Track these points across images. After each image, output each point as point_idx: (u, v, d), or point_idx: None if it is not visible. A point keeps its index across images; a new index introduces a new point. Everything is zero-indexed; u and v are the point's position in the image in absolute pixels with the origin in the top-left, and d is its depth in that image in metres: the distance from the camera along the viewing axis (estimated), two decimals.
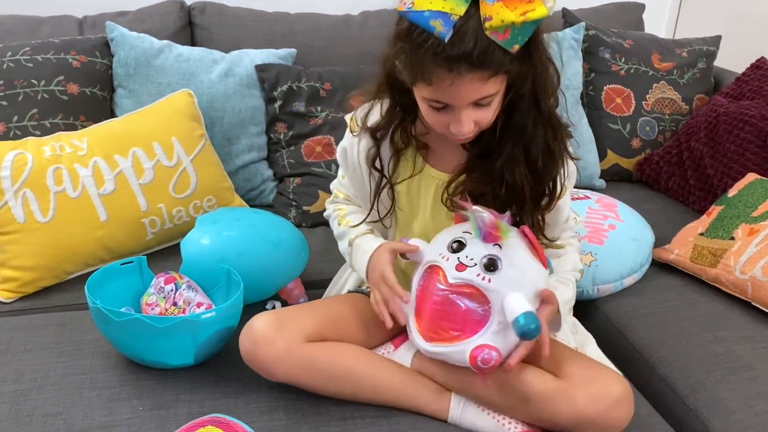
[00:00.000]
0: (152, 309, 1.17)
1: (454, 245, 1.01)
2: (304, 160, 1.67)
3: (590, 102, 1.92)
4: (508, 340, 0.97)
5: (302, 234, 1.37)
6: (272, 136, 1.70)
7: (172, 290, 1.18)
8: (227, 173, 1.58)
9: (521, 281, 0.98)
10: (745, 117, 1.67)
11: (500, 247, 0.99)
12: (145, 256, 1.25)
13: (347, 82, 1.69)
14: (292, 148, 1.69)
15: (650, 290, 1.42)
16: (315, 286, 1.38)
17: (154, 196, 1.41)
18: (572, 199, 1.53)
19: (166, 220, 1.44)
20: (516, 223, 1.04)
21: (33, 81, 1.53)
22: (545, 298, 1.00)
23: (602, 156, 1.89)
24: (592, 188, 1.79)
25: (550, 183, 1.03)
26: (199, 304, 1.17)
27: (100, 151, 1.39)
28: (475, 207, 0.97)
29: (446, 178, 1.08)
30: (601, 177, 1.88)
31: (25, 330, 1.21)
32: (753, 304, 1.33)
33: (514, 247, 1.00)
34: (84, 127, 1.52)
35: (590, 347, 1.16)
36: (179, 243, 1.26)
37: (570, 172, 1.06)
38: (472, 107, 0.92)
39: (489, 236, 0.98)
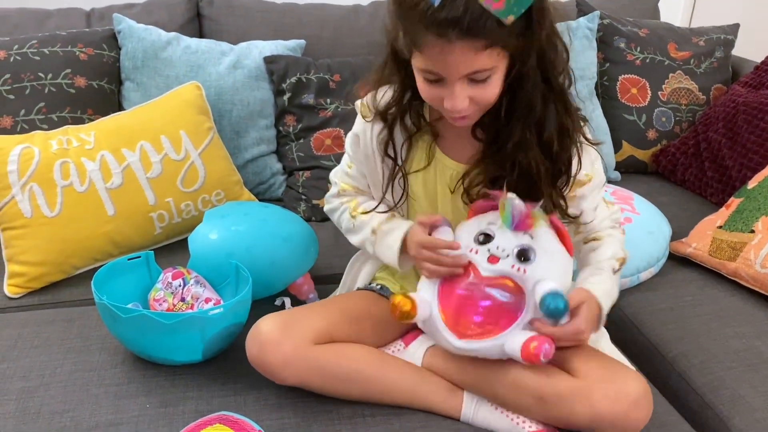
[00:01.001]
0: (160, 305, 1.15)
1: (481, 237, 0.99)
2: (313, 153, 1.65)
3: (605, 92, 1.88)
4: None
5: (312, 229, 1.35)
6: (281, 129, 1.67)
7: (179, 286, 1.16)
8: (236, 167, 1.56)
9: (555, 270, 0.96)
10: (764, 107, 1.63)
11: (531, 237, 0.96)
12: (152, 251, 1.24)
13: (357, 74, 1.66)
14: (302, 141, 1.66)
15: (667, 285, 1.39)
16: (325, 281, 1.36)
17: (162, 190, 1.40)
18: None
19: (174, 214, 1.42)
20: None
21: (40, 74, 1.52)
22: (574, 299, 0.96)
23: (617, 148, 1.85)
24: (607, 180, 1.75)
25: (566, 162, 0.99)
26: (207, 300, 1.15)
27: (108, 144, 1.38)
28: (509, 194, 0.95)
29: (460, 168, 1.05)
30: (616, 169, 1.85)
31: (33, 326, 1.20)
32: None
33: (545, 235, 0.97)
34: (91, 120, 1.51)
35: (604, 342, 1.13)
36: (187, 238, 1.25)
37: (592, 158, 1.03)
38: (467, 82, 0.89)
39: (521, 224, 0.95)
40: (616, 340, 1.19)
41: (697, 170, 1.77)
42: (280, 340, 1.00)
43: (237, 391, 1.07)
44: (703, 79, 1.90)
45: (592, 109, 1.80)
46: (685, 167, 1.80)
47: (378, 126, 1.07)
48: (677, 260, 1.46)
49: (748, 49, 2.02)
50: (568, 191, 1.03)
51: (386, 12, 0.93)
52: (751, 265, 1.32)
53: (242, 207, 1.33)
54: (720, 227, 1.42)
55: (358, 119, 1.11)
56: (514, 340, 0.94)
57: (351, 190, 1.18)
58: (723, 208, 1.47)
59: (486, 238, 0.98)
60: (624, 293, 1.39)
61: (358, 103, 1.10)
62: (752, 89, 1.77)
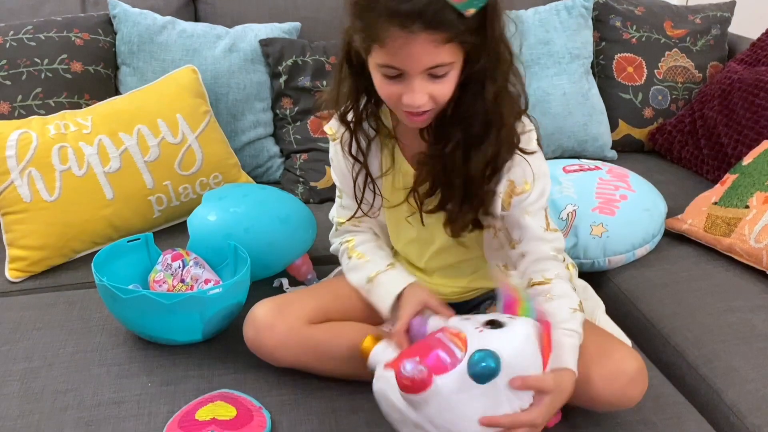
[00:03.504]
0: (160, 286, 1.16)
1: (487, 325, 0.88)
2: (310, 135, 1.66)
3: (601, 71, 1.88)
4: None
5: (310, 210, 1.36)
6: (278, 111, 1.68)
7: (179, 267, 1.18)
8: (233, 150, 1.57)
9: (511, 355, 0.84)
10: (760, 83, 1.63)
11: (510, 318, 0.89)
12: (151, 233, 1.25)
13: None
14: (299, 123, 1.67)
15: (663, 261, 1.40)
16: (323, 261, 1.37)
17: (160, 174, 1.40)
18: (582, 170, 1.51)
19: (172, 197, 1.43)
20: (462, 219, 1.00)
21: (36, 60, 1.52)
22: (542, 385, 0.88)
23: (613, 126, 1.86)
24: (603, 159, 1.76)
25: (489, 172, 0.97)
26: (206, 281, 1.17)
27: (105, 128, 1.38)
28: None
29: (412, 172, 1.04)
30: (612, 148, 1.85)
31: (35, 309, 1.22)
32: None
33: (526, 325, 0.88)
34: (88, 105, 1.51)
35: (600, 314, 1.15)
36: (186, 221, 1.26)
37: (534, 172, 0.99)
38: (427, 78, 0.88)
39: (507, 309, 0.91)
40: (611, 315, 1.20)
41: (693, 148, 1.78)
42: (275, 324, 1.03)
43: (237, 369, 1.08)
44: (699, 57, 1.90)
45: (588, 89, 1.80)
46: (681, 145, 1.81)
47: (340, 141, 1.06)
48: (673, 237, 1.47)
49: (745, 27, 2.02)
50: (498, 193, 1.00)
51: (342, 13, 0.91)
52: (745, 240, 1.33)
53: (241, 189, 1.34)
54: (715, 203, 1.43)
55: (330, 144, 1.10)
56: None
57: (348, 225, 1.15)
58: (718, 185, 1.48)
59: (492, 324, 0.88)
60: (620, 269, 1.40)
61: (326, 127, 1.10)
62: (748, 66, 1.77)
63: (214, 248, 1.21)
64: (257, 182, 1.62)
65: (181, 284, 1.17)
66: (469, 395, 0.81)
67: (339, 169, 1.11)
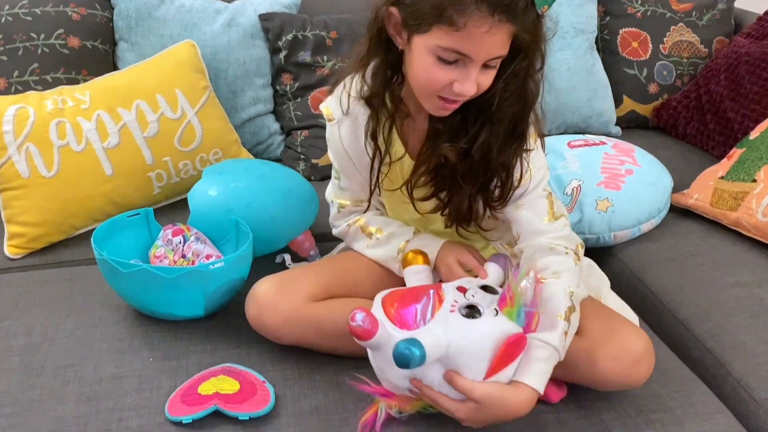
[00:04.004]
0: (161, 261, 1.15)
1: (465, 310, 0.89)
2: (311, 112, 1.64)
3: (605, 47, 1.85)
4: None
5: (311, 185, 1.34)
6: (278, 88, 1.66)
7: (180, 242, 1.16)
8: (233, 127, 1.55)
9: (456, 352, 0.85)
10: (767, 57, 1.61)
11: (497, 311, 0.88)
12: (151, 208, 1.23)
13: (354, 30, 1.64)
14: (299, 100, 1.65)
15: (669, 236, 1.39)
16: (325, 238, 1.35)
17: (160, 150, 1.39)
18: (587, 145, 1.49)
19: (172, 173, 1.41)
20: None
21: (32, 35, 1.49)
22: (480, 392, 0.85)
23: (618, 102, 1.83)
24: (608, 136, 1.74)
25: (504, 171, 0.96)
26: (208, 256, 1.15)
27: (103, 104, 1.36)
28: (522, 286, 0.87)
29: (410, 161, 1.02)
30: (616, 124, 1.83)
31: (34, 285, 1.20)
32: None
33: (483, 334, 0.85)
34: (86, 81, 1.48)
35: (606, 291, 1.13)
36: (186, 198, 1.24)
37: (536, 164, 0.98)
38: (481, 66, 0.86)
39: (501, 301, 0.89)
40: (617, 291, 1.19)
41: (699, 123, 1.76)
42: (277, 302, 1.01)
43: (240, 344, 1.07)
44: (704, 32, 1.87)
45: (592, 64, 1.78)
46: (687, 121, 1.79)
47: (350, 119, 1.03)
48: (678, 212, 1.46)
49: (751, 1, 1.99)
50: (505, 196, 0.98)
51: None
52: (752, 214, 1.32)
53: (241, 164, 1.32)
54: (722, 177, 1.41)
55: (327, 125, 1.07)
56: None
57: (350, 205, 1.13)
58: (725, 159, 1.46)
59: (470, 309, 0.88)
60: (625, 244, 1.39)
61: (322, 107, 1.07)
62: (755, 40, 1.74)
63: (215, 223, 1.20)
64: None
65: (182, 260, 1.15)
66: None
67: (336, 151, 1.08)
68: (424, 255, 1.05)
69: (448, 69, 0.86)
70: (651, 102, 1.85)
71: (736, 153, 1.45)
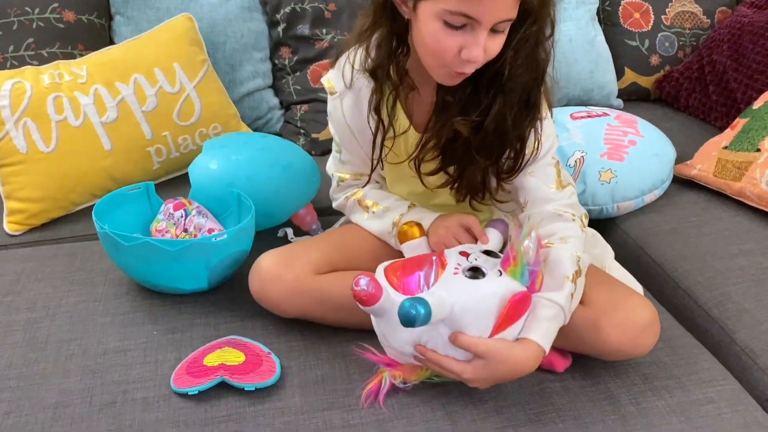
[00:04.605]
0: (162, 236, 1.14)
1: (469, 272, 0.89)
2: (310, 86, 1.62)
3: (607, 18, 1.83)
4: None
5: (312, 158, 1.33)
6: (277, 62, 1.64)
7: (182, 216, 1.15)
8: (232, 102, 1.53)
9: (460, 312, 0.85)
10: None
11: (500, 272, 0.88)
12: (152, 182, 1.22)
13: (353, 2, 1.62)
14: (298, 74, 1.63)
15: (672, 206, 1.38)
16: (327, 213, 1.34)
17: (159, 124, 1.37)
18: (590, 116, 1.48)
19: (172, 148, 1.40)
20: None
21: (27, 9, 1.47)
22: (484, 348, 0.86)
23: (620, 75, 1.82)
24: (611, 108, 1.73)
25: (518, 143, 0.95)
26: (210, 230, 1.14)
27: (101, 78, 1.35)
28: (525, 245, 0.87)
29: (416, 135, 1.01)
30: (618, 97, 1.82)
31: (35, 261, 1.20)
32: None
33: (487, 293, 0.86)
34: (82, 56, 1.47)
35: (609, 262, 1.13)
36: (186, 173, 1.23)
37: (546, 133, 0.97)
38: (489, 32, 0.84)
39: (504, 261, 0.89)
40: (621, 262, 1.19)
41: (701, 95, 1.75)
42: (281, 275, 1.01)
43: (244, 317, 1.07)
44: (707, 2, 1.85)
45: (594, 35, 1.76)
46: (689, 92, 1.77)
47: (354, 92, 1.01)
48: (682, 183, 1.45)
49: None
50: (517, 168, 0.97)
51: None
52: (756, 184, 1.31)
53: (242, 137, 1.31)
54: (725, 148, 1.41)
55: (329, 98, 1.05)
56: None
57: (350, 179, 1.12)
58: (728, 129, 1.45)
59: (474, 271, 0.88)
60: (629, 215, 1.38)
61: (323, 80, 1.05)
62: (758, 9, 1.72)
63: (217, 197, 1.19)
64: None
65: (184, 234, 1.14)
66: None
67: (338, 124, 1.06)
68: (420, 227, 1.04)
69: (455, 34, 0.84)
70: (653, 74, 1.84)
71: (740, 123, 1.44)
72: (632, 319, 0.93)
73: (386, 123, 0.99)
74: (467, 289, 0.86)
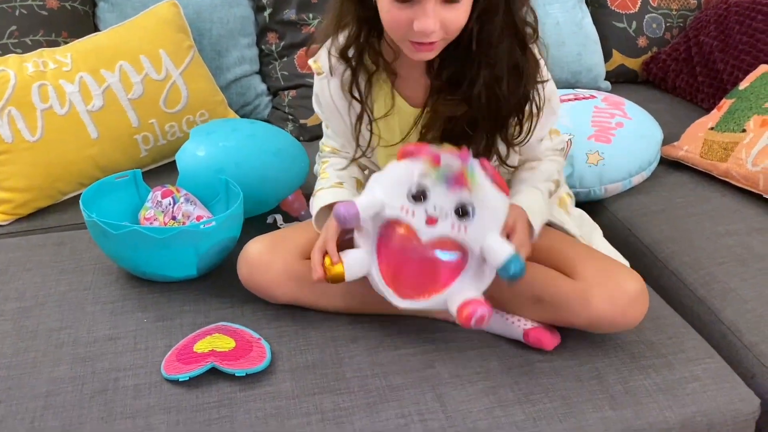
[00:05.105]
0: (150, 224, 1.14)
1: (416, 196, 0.91)
2: (298, 71, 1.61)
3: (594, 0, 1.83)
4: (484, 278, 0.92)
5: (300, 144, 1.33)
6: (263, 47, 1.63)
7: (170, 204, 1.15)
8: (219, 88, 1.52)
9: (495, 219, 0.91)
10: (757, 6, 1.60)
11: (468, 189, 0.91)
12: (139, 170, 1.21)
13: None
14: (285, 59, 1.62)
15: (659, 188, 1.39)
16: None
17: (145, 112, 1.36)
18: (577, 99, 1.48)
19: (159, 136, 1.39)
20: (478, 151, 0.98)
21: None
22: (512, 230, 0.95)
23: (607, 57, 1.82)
24: (598, 90, 1.73)
25: (518, 106, 0.95)
26: (198, 218, 1.14)
27: (86, 66, 1.33)
28: (441, 152, 0.90)
29: (417, 112, 1.01)
30: (606, 79, 1.82)
31: (23, 250, 1.19)
32: (765, 196, 1.30)
33: (482, 187, 0.90)
34: (67, 43, 1.45)
35: (597, 238, 1.14)
36: (174, 161, 1.22)
37: (547, 94, 0.99)
38: (440, 3, 0.84)
39: (455, 184, 0.90)
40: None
41: (688, 76, 1.75)
42: (269, 261, 1.01)
43: (234, 303, 1.07)
44: None
45: (581, 18, 1.76)
46: (676, 74, 1.78)
47: (336, 77, 1.01)
48: (669, 164, 1.46)
49: None
50: (521, 136, 0.99)
51: None
52: (742, 164, 1.32)
53: (229, 123, 1.31)
54: (712, 129, 1.41)
55: (315, 78, 1.06)
56: (453, 299, 0.91)
57: (328, 151, 1.14)
58: (714, 110, 1.46)
59: (421, 195, 0.91)
60: (616, 197, 1.39)
61: (311, 62, 1.05)
62: None
63: (205, 184, 1.18)
64: None
65: (172, 221, 1.14)
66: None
67: (326, 105, 1.06)
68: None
69: (404, 8, 0.85)
70: (640, 56, 1.84)
71: (726, 104, 1.45)
72: (621, 290, 0.94)
73: (367, 106, 1.00)
74: (488, 219, 0.91)
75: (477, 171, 0.90)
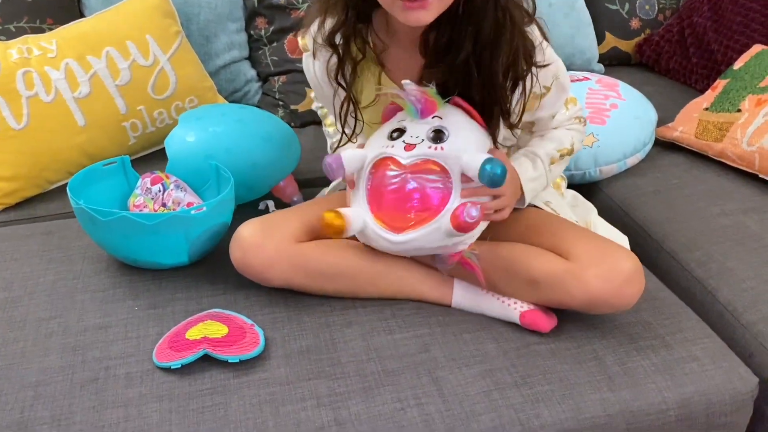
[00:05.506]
0: (140, 211, 1.12)
1: (395, 134, 0.96)
2: (288, 56, 1.59)
3: None
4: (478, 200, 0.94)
5: (291, 129, 1.31)
6: (252, 32, 1.60)
7: (159, 191, 1.13)
8: (208, 74, 1.50)
9: (471, 141, 0.94)
10: None
11: (440, 118, 0.95)
12: (128, 156, 1.19)
13: None
14: (275, 44, 1.60)
15: (654, 169, 1.38)
16: (308, 184, 1.33)
17: (133, 98, 1.34)
18: (571, 81, 1.46)
19: (147, 123, 1.37)
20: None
21: None
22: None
23: (600, 39, 1.81)
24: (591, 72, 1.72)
25: (510, 82, 0.94)
26: (189, 204, 1.12)
27: (72, 52, 1.31)
28: (404, 82, 0.93)
29: None
30: (599, 62, 1.81)
31: (11, 240, 1.17)
32: (760, 176, 1.29)
33: (454, 115, 0.96)
34: (51, 30, 1.42)
35: (594, 218, 1.13)
36: (164, 148, 1.20)
37: (551, 71, 0.98)
38: None
39: (425, 110, 0.95)
40: None
41: (682, 58, 1.74)
42: (262, 243, 0.99)
43: (226, 290, 1.05)
44: None
45: (573, 0, 1.74)
46: (670, 55, 1.77)
47: (320, 60, 1.01)
48: (663, 145, 1.45)
49: None
50: (521, 107, 0.98)
51: None
52: (737, 144, 1.31)
53: (218, 108, 1.28)
54: (706, 109, 1.40)
55: (303, 56, 1.07)
56: (442, 220, 0.92)
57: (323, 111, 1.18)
58: (709, 90, 1.45)
59: (399, 132, 0.96)
60: (611, 179, 1.38)
61: (298, 38, 1.05)
62: None
63: (195, 170, 1.16)
64: None
65: (162, 208, 1.12)
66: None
67: (313, 83, 1.08)
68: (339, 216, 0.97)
69: None
70: (633, 38, 1.83)
71: (720, 84, 1.44)
72: (616, 269, 0.93)
73: (353, 94, 1.00)
74: (460, 140, 0.94)
75: (441, 99, 0.95)
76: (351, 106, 1.01)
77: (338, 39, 0.97)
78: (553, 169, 1.06)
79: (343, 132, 1.05)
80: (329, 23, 0.97)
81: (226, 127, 1.20)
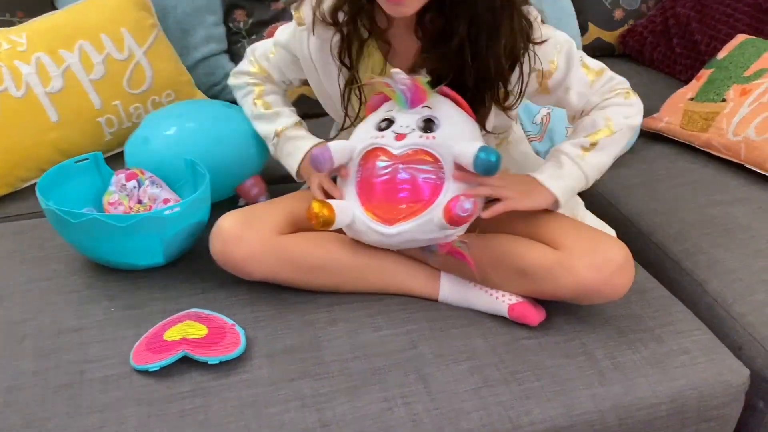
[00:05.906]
0: (115, 208, 1.08)
1: (383, 124, 0.95)
2: None
3: None
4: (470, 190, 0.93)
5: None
6: (231, 25, 1.57)
7: (134, 187, 1.10)
8: (186, 68, 1.46)
9: (462, 130, 0.93)
10: None
11: (429, 108, 0.94)
12: (101, 152, 1.15)
13: None
14: (254, 37, 1.56)
15: (640, 161, 1.37)
16: (279, 181, 1.26)
17: (108, 93, 1.30)
18: None
19: (123, 118, 1.33)
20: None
21: None
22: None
23: (583, 31, 1.79)
24: None
25: (508, 64, 0.92)
26: (165, 201, 1.09)
27: (43, 46, 1.27)
28: (393, 71, 0.91)
29: None
30: None
31: None
32: (746, 166, 1.29)
33: (443, 104, 0.94)
34: (22, 23, 1.38)
35: (581, 211, 1.11)
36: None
37: (551, 46, 0.95)
38: None
39: (415, 99, 0.93)
40: None
41: (666, 48, 1.73)
42: (244, 234, 0.96)
43: (206, 289, 1.02)
44: None
45: None
46: (653, 46, 1.76)
47: (318, 38, 0.98)
48: (649, 137, 1.44)
49: None
50: (519, 88, 0.96)
51: None
52: (723, 134, 1.30)
53: (176, 108, 1.23)
54: (691, 99, 1.39)
55: (293, 25, 1.02)
56: (435, 212, 0.90)
57: (262, 75, 1.14)
58: (694, 81, 1.44)
59: (388, 122, 0.95)
60: None
61: (292, 9, 1.01)
62: None
63: (168, 167, 1.12)
64: None
65: (138, 205, 1.09)
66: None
67: (303, 58, 1.04)
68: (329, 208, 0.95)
69: None
70: (617, 29, 1.82)
71: (705, 74, 1.43)
72: (606, 258, 0.91)
73: (357, 73, 0.98)
74: (449, 131, 0.92)
75: (431, 88, 0.93)
76: (353, 88, 0.99)
77: (341, 17, 0.94)
78: (590, 159, 0.99)
79: (346, 115, 1.03)
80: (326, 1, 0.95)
81: (179, 129, 1.14)
